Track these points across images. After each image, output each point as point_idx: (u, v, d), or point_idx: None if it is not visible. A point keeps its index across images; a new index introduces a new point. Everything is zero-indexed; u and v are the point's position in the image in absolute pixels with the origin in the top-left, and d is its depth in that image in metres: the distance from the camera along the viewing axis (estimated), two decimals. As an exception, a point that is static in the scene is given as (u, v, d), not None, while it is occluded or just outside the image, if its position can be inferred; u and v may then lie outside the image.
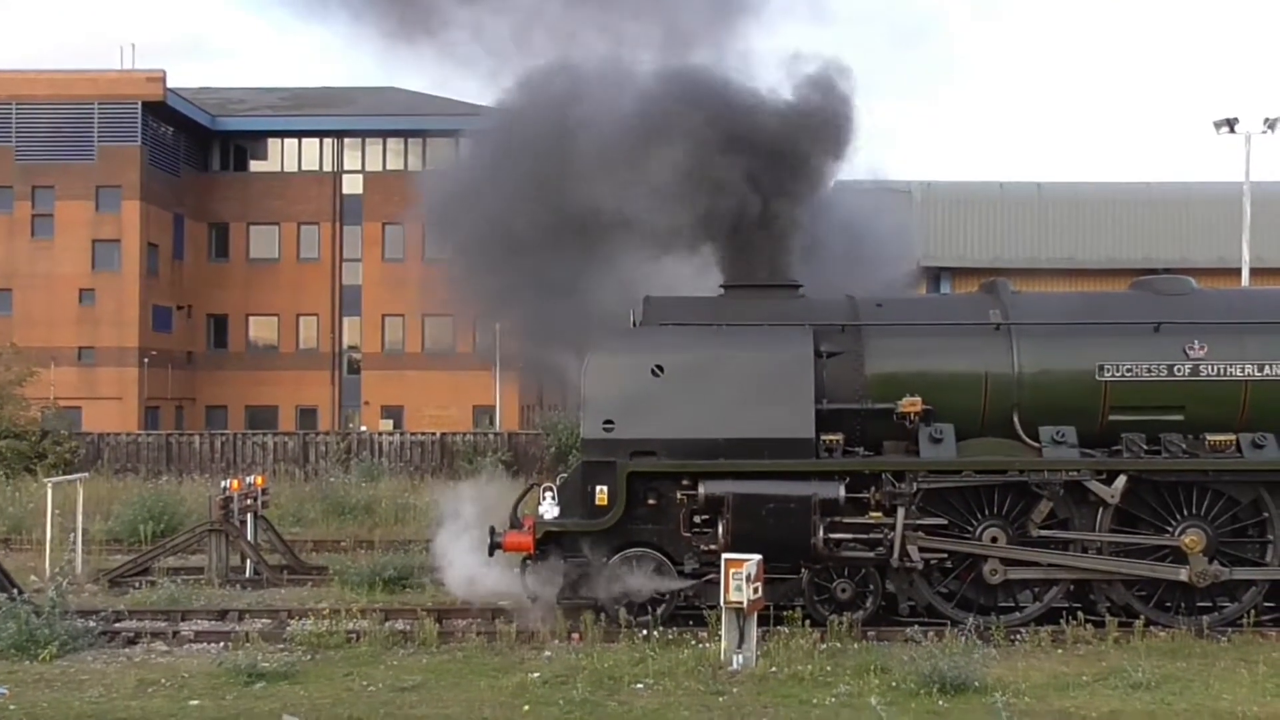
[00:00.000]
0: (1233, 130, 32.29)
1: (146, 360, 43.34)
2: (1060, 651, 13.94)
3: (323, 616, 15.15)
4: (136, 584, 18.37)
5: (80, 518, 20.55)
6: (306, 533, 24.18)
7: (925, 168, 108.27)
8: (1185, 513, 14.85)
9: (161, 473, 32.99)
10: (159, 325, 44.89)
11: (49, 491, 20.10)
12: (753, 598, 13.02)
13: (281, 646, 14.16)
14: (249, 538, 19.83)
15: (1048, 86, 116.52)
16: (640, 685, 12.38)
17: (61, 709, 11.68)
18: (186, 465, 34.51)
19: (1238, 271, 32.03)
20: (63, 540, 20.14)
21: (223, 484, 20.32)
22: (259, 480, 21.23)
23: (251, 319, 48.01)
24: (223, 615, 16.19)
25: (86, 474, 23.85)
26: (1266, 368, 14.91)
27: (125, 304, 43.37)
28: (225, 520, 19.10)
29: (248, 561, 19.52)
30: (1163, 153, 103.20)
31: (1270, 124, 32.17)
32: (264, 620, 15.87)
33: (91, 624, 14.83)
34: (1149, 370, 14.94)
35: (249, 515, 20.13)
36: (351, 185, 48.22)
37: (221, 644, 14.51)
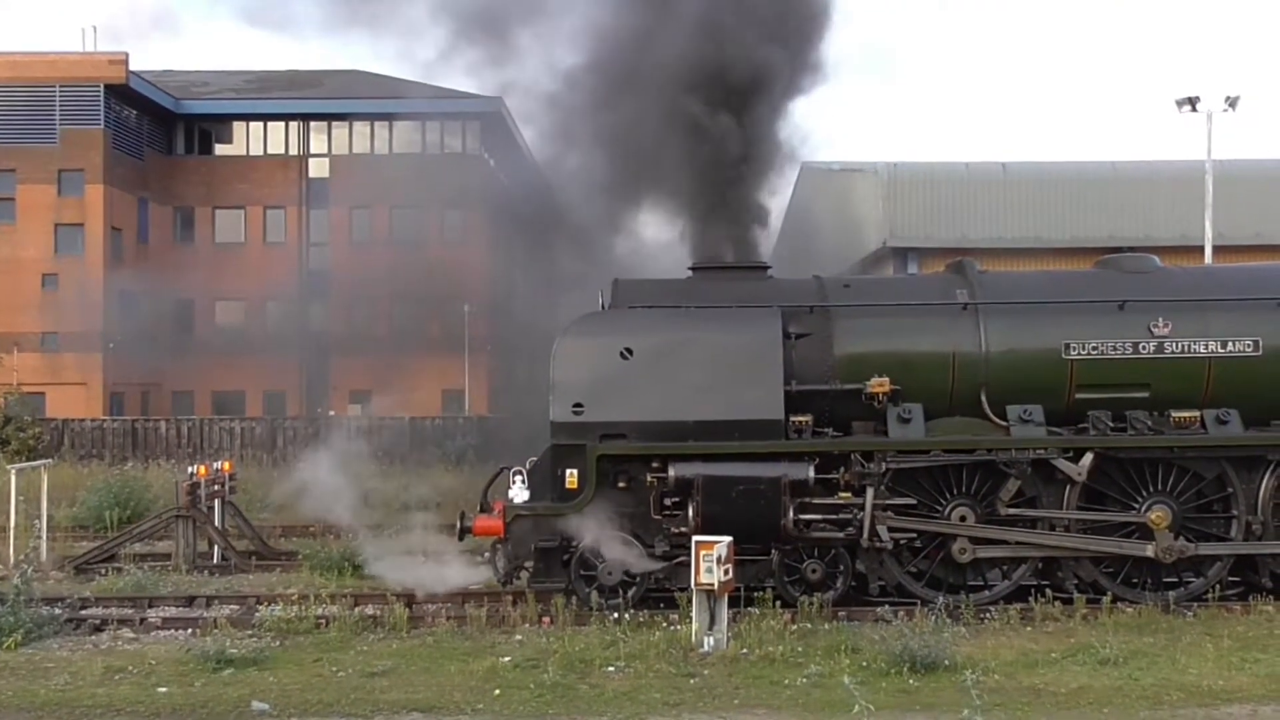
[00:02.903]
0: (1194, 109, 32.46)
1: (111, 345, 42.89)
2: (1029, 629, 14.04)
3: (291, 602, 15.07)
4: (103, 571, 18.25)
5: (45, 504, 20.35)
6: (275, 518, 24.05)
7: (891, 149, 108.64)
8: (1151, 489, 14.99)
9: (127, 459, 32.71)
10: (124, 310, 44.36)
11: (12, 478, 19.91)
12: (723, 579, 13.02)
13: (250, 632, 14.07)
14: (216, 523, 19.71)
15: (1013, 68, 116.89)
16: (611, 668, 12.37)
17: (27, 697, 11.56)
18: (153, 451, 34.24)
19: (1201, 249, 32.22)
20: (27, 527, 19.94)
21: (190, 469, 20.19)
22: (226, 466, 21.10)
23: (218, 304, 47.54)
24: (190, 601, 16.09)
25: (51, 460, 23.61)
26: (1229, 344, 15.03)
27: (89, 288, 42.84)
28: (192, 506, 18.97)
29: (215, 547, 19.40)
30: (1126, 132, 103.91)
31: (1231, 102, 32.31)
32: (232, 606, 15.79)
33: (57, 611, 14.72)
34: (1114, 348, 15.04)
35: (216, 501, 20.01)
36: (318, 169, 47.79)
37: (189, 630, 14.41)
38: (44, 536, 19.78)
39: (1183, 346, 15.03)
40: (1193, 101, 32.37)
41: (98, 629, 14.54)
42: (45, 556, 19.07)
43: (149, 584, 16.90)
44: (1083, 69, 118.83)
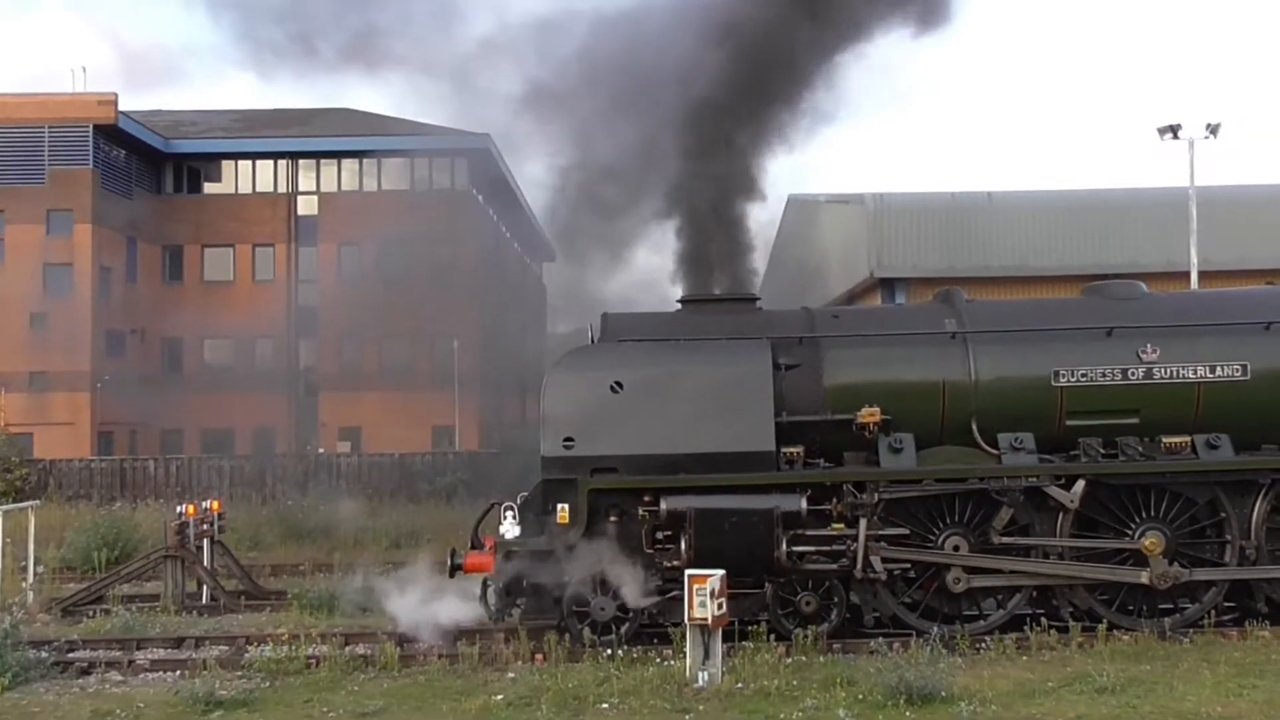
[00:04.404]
0: (1176, 136, 32.66)
1: (99, 385, 42.76)
2: (1025, 658, 13.96)
3: (281, 642, 14.96)
4: (90, 613, 18.10)
5: (32, 546, 20.21)
6: (264, 557, 23.91)
7: (878, 179, 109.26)
8: (1144, 515, 14.96)
9: (115, 499, 32.54)
10: (112, 349, 44.30)
11: (-1, 520, 19.77)
12: (717, 613, 12.93)
13: (240, 673, 13.95)
14: (205, 563, 19.58)
15: (997, 99, 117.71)
16: (605, 705, 12.27)
17: (14, 744, 11.45)
18: (141, 491, 34.08)
19: (1187, 274, 32.32)
20: (14, 569, 19.78)
21: (178, 509, 20.07)
22: (215, 505, 20.98)
23: (206, 342, 47.50)
24: (179, 643, 15.95)
25: (38, 501, 23.46)
26: (1218, 369, 15.05)
27: (77, 328, 42.77)
28: (181, 546, 18.86)
29: (204, 587, 19.26)
30: (1109, 160, 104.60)
31: (1212, 129, 32.52)
32: (221, 647, 15.65)
33: (44, 654, 14.56)
34: (1104, 374, 15.05)
35: (205, 540, 19.89)
36: (306, 206, 47.88)
37: (178, 672, 14.27)
38: (31, 578, 19.63)
39: (1172, 372, 15.04)
40: (1174, 129, 32.57)
41: (85, 671, 14.40)
42: (32, 599, 18.91)
43: (137, 625, 16.76)
44: (1066, 99, 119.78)
